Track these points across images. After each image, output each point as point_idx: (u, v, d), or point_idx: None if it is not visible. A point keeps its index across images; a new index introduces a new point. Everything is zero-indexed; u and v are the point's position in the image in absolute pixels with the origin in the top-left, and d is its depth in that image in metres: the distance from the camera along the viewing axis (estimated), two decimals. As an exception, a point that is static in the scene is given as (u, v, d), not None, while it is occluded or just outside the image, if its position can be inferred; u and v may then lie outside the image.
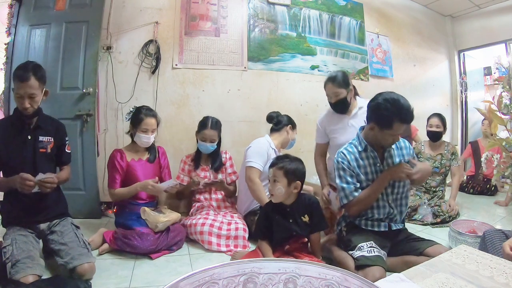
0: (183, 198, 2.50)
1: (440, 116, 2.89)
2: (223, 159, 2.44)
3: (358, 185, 1.62)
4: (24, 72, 1.49)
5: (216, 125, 2.34)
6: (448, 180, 2.97)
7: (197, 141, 2.37)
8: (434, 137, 2.86)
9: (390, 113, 1.48)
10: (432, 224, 2.52)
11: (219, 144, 2.40)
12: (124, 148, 2.22)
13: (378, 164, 1.64)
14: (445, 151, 2.83)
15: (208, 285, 0.44)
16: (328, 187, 2.16)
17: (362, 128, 1.72)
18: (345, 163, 1.64)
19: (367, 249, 1.46)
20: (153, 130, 2.15)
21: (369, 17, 3.91)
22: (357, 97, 2.23)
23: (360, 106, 2.10)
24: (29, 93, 1.52)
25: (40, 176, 1.54)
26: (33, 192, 1.53)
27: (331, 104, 2.14)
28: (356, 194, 1.61)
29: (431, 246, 1.51)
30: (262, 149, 2.21)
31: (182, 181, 2.35)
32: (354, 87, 2.16)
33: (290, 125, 2.42)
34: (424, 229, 2.45)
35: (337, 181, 1.66)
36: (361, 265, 1.40)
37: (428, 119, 2.94)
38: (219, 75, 3.15)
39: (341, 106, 2.10)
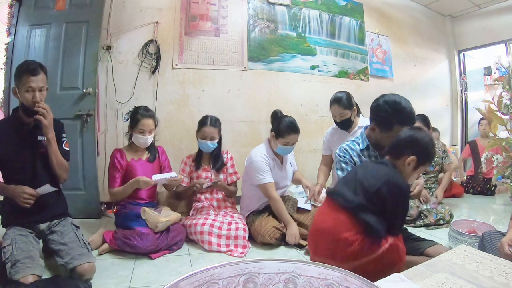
0: (183, 199, 2.49)
1: (420, 118, 2.62)
2: (224, 159, 2.44)
3: None
4: (35, 66, 1.56)
5: (216, 122, 2.33)
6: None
7: (198, 141, 2.36)
8: None
9: (389, 116, 1.49)
10: (426, 225, 2.46)
11: (220, 143, 2.40)
12: (124, 148, 2.22)
13: (379, 163, 1.64)
14: (437, 149, 2.83)
15: (208, 285, 0.44)
16: (321, 186, 2.28)
17: (366, 127, 1.72)
18: (347, 157, 1.63)
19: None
20: (151, 131, 2.15)
21: (369, 17, 3.91)
22: (360, 115, 2.38)
23: (360, 125, 2.24)
24: (40, 86, 1.57)
25: (43, 189, 1.57)
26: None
27: (336, 122, 2.32)
28: None
29: (431, 246, 1.52)
30: (263, 163, 2.17)
31: (182, 181, 2.34)
32: (357, 105, 2.32)
33: (273, 132, 2.22)
34: (424, 229, 2.45)
35: (339, 173, 1.63)
36: None
37: None
38: (219, 75, 3.15)
39: (345, 125, 2.28)
